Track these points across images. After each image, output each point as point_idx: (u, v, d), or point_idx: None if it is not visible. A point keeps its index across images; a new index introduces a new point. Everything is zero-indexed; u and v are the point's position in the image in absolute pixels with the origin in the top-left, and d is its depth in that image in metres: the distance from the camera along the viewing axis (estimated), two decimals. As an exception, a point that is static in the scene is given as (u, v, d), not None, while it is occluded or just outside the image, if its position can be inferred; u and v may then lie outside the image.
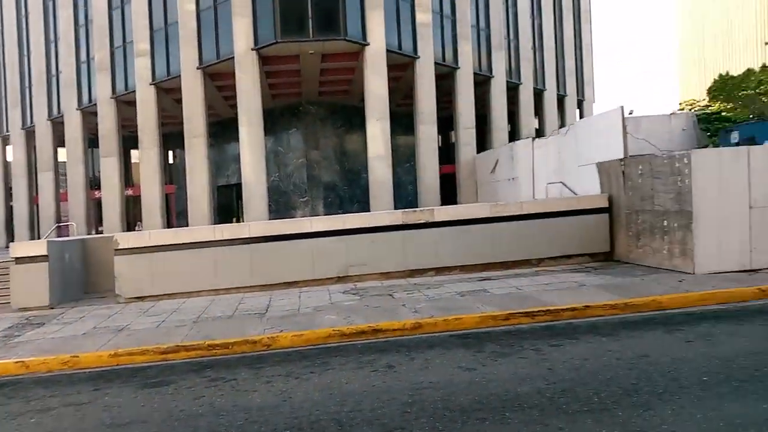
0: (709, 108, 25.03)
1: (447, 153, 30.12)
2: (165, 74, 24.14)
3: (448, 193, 26.29)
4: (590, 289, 8.50)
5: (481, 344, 6.45)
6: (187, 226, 23.31)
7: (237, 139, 21.85)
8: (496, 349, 6.24)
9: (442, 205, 23.33)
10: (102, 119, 27.01)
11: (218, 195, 29.95)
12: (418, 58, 23.16)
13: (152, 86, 24.57)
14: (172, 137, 30.25)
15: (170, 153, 33.78)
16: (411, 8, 23.22)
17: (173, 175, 33.46)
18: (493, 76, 28.03)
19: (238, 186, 24.63)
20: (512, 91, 30.19)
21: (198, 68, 22.56)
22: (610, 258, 11.31)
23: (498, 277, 10.14)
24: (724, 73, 19.32)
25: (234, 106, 23.11)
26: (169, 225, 28.95)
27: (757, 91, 17.83)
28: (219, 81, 23.69)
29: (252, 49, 20.78)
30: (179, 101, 24.15)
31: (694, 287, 8.03)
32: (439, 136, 26.84)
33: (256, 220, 19.30)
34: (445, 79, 25.60)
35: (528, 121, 30.64)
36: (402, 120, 28.75)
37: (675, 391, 4.64)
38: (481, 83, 27.75)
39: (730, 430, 3.89)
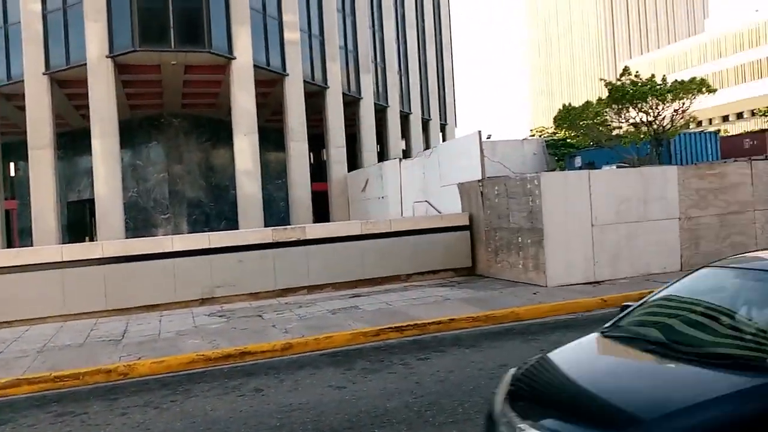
0: (556, 135, 27.54)
1: (319, 170, 30.15)
2: (4, 78, 21.77)
3: (321, 211, 26.28)
4: (454, 302, 8.88)
5: (351, 362, 6.46)
6: (31, 245, 21.02)
7: (90, 152, 20.21)
8: (366, 365, 6.28)
9: (314, 222, 23.25)
10: (-75, 125, 23.70)
11: (69, 211, 27.40)
12: (287, 75, 23.05)
13: (-12, 90, 22.04)
14: (13, 148, 27.25)
15: (12, 165, 30.39)
16: (279, 26, 23.11)
17: (15, 190, 30.11)
18: (361, 98, 28.64)
19: (92, 202, 22.72)
20: (380, 113, 31.05)
21: (44, 74, 20.61)
22: (472, 273, 11.92)
23: (369, 294, 10.26)
24: (567, 104, 21.32)
25: (86, 116, 21.35)
26: (9, 245, 25.97)
27: (595, 121, 19.85)
28: (69, 88, 21.81)
29: (107, 56, 19.41)
30: (22, 108, 21.87)
31: (546, 299, 8.69)
32: (311, 154, 26.81)
33: (111, 239, 17.90)
34: (315, 97, 25.71)
35: (395, 142, 31.63)
36: (272, 136, 28.35)
37: (531, 397, 4.94)
38: (351, 103, 28.24)
39: None
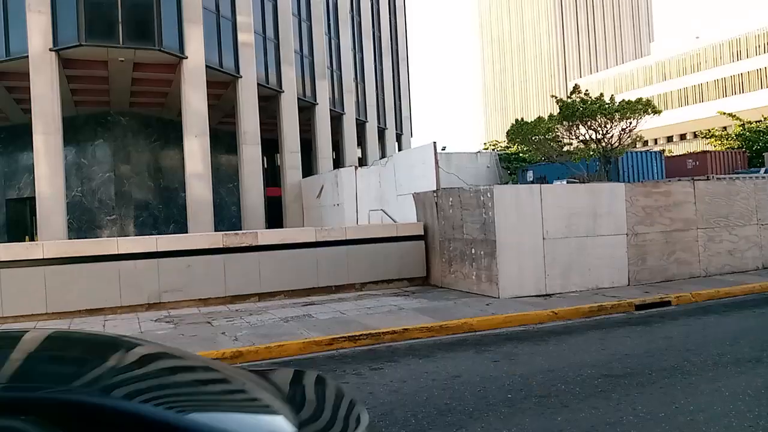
0: (509, 149, 28.08)
1: (273, 176, 29.80)
2: (-62, 67, 20.65)
3: (274, 216, 25.94)
4: (409, 312, 8.86)
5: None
6: (-38, 244, 19.88)
7: (31, 148, 19.32)
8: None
9: (267, 228, 22.89)
10: None
11: (8, 209, 26.13)
12: (241, 77, 22.72)
13: None
14: (-54, 140, 25.87)
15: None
16: (233, 27, 22.78)
17: (-53, 186, 28.50)
18: (317, 104, 28.51)
19: (33, 200, 21.70)
20: (336, 120, 30.99)
21: (-20, 65, 19.65)
22: (426, 283, 11.95)
23: (323, 302, 10.13)
24: (519, 119, 21.78)
25: (28, 111, 20.41)
26: (-62, 243, 24.49)
27: (546, 136, 20.32)
28: (9, 81, 20.84)
29: (51, 50, 18.64)
30: (-42, 99, 20.78)
31: (499, 310, 8.78)
32: (265, 158, 26.47)
33: (53, 239, 17.13)
34: (270, 101, 25.43)
35: (351, 149, 31.60)
36: (224, 139, 27.84)
37: (484, 409, 4.95)
38: (306, 109, 28.06)
39: (532, 442, 4.23)
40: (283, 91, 25.60)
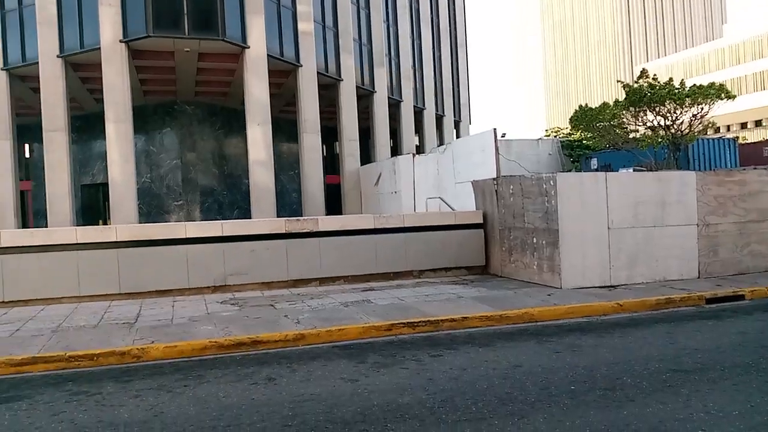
0: (572, 136, 27.30)
1: (332, 163, 30.15)
2: (19, 60, 21.84)
3: (333, 203, 26.29)
4: (468, 301, 8.82)
5: (363, 355, 6.42)
6: (46, 227, 21.14)
7: (103, 136, 20.27)
8: (378, 359, 6.24)
9: (326, 214, 23.23)
10: (-58, 104, 23.81)
11: (83, 195, 27.55)
12: (301, 66, 23.01)
13: (3, 71, 22.12)
14: (29, 129, 27.42)
15: (27, 146, 30.55)
16: (293, 16, 23.05)
17: (30, 171, 30.28)
18: (375, 92, 28.55)
19: (105, 186, 22.79)
20: (394, 107, 30.96)
21: (59, 56, 20.67)
22: (485, 272, 11.84)
23: (381, 288, 10.21)
24: (583, 105, 21.11)
25: (100, 100, 21.40)
26: (25, 225, 26.16)
27: (612, 123, 19.63)
28: (83, 72, 21.87)
29: (121, 41, 19.43)
30: (37, 90, 21.95)
31: (561, 301, 8.61)
32: (324, 146, 26.79)
33: (124, 223, 17.98)
34: (329, 89, 25.66)
35: (409, 137, 31.53)
36: (285, 127, 28.33)
37: (546, 400, 4.88)
38: (365, 97, 28.16)
39: (596, 434, 4.14)
40: (342, 80, 25.78)
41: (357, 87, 26.73)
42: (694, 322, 7.82)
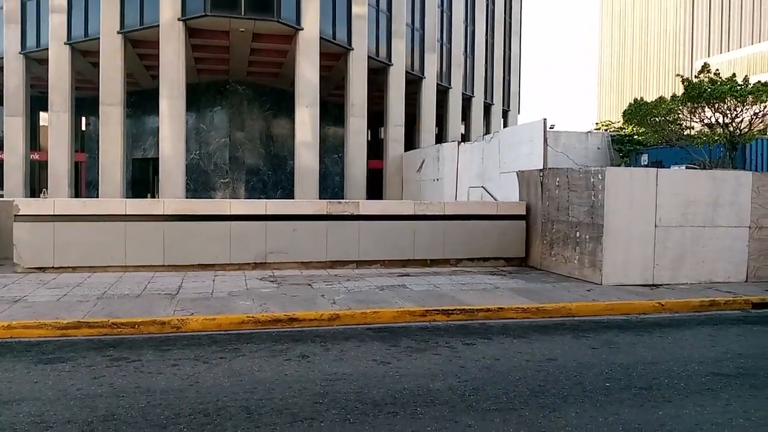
0: (623, 130, 26.49)
1: (376, 148, 30.21)
2: (82, 35, 22.63)
3: (375, 188, 26.39)
4: (504, 291, 8.74)
5: (396, 339, 6.46)
6: (97, 197, 21.97)
7: (157, 112, 20.87)
8: (411, 344, 6.26)
9: (367, 199, 23.36)
10: (8, 75, 24.94)
11: (133, 168, 28.47)
12: (352, 49, 23.03)
13: (67, 46, 22.94)
14: (86, 102, 28.46)
15: (83, 119, 31.73)
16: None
17: (85, 143, 31.45)
18: (424, 78, 28.36)
19: (155, 161, 23.51)
20: (442, 94, 30.69)
21: (119, 32, 21.30)
22: (524, 264, 11.70)
23: (417, 274, 10.23)
24: (639, 98, 20.44)
25: (156, 77, 21.99)
26: (77, 195, 27.26)
27: (667, 118, 18.96)
28: (141, 48, 22.50)
29: (179, 19, 19.87)
30: (96, 65, 22.72)
31: (600, 297, 8.44)
32: (369, 131, 26.86)
33: (172, 198, 18.50)
34: (378, 74, 25.62)
35: (455, 125, 31.26)
36: (332, 110, 28.51)
37: (579, 395, 4.82)
38: (413, 83, 28.01)
39: (628, 433, 4.07)
40: (392, 64, 25.70)
41: (406, 72, 26.62)
42: (738, 326, 7.55)
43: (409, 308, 7.42)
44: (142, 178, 28.58)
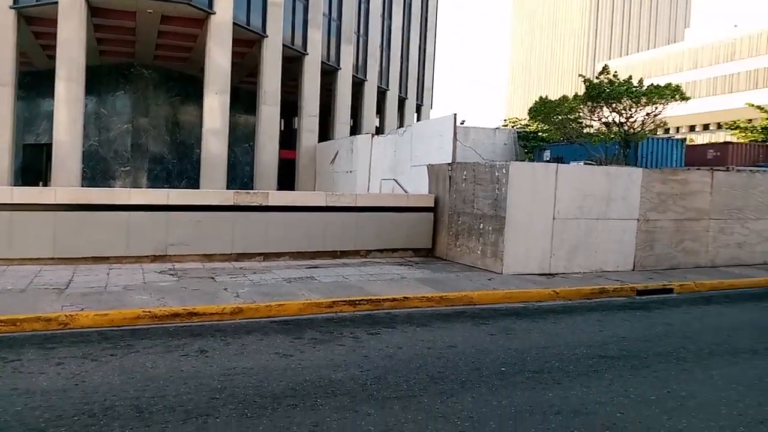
0: (529, 127, 27.70)
1: (289, 138, 29.72)
2: (-33, 8, 20.65)
3: (287, 179, 25.97)
4: (411, 281, 8.88)
5: (301, 331, 6.40)
6: (-20, 185, 20.19)
7: (52, 94, 19.43)
8: (315, 336, 6.23)
9: (279, 189, 22.96)
10: None
11: (24, 154, 26.41)
12: (266, 36, 22.51)
13: (-52, 19, 20.86)
14: (-31, 81, 26.04)
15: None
16: (263, -15, 22.50)
17: (-32, 126, 28.81)
18: (340, 69, 28.23)
19: (49, 146, 21.91)
20: (357, 86, 30.69)
21: (11, 8, 19.64)
22: (431, 254, 11.95)
23: (327, 266, 10.18)
24: (543, 96, 21.41)
25: (52, 57, 20.46)
26: (-43, 182, 24.90)
27: (569, 116, 19.98)
28: (37, 26, 20.85)
29: (81, -4, 18.60)
30: (-17, 42, 20.83)
31: (500, 286, 8.77)
32: (282, 120, 26.38)
33: (66, 186, 17.34)
34: (293, 62, 25.21)
35: (370, 117, 31.37)
36: (244, 98, 27.76)
37: (476, 380, 4.98)
38: (328, 73, 27.81)
39: (517, 415, 4.25)
40: (308, 54, 25.35)
41: (322, 62, 26.36)
42: (624, 312, 8.10)
43: (315, 300, 7.37)
44: (34, 165, 26.57)
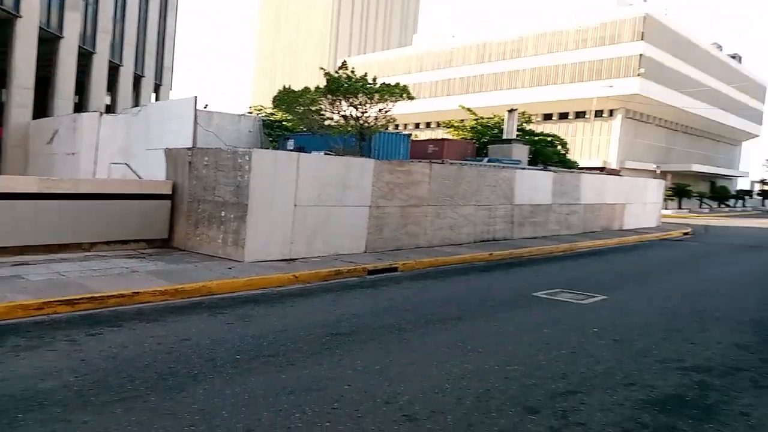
0: (274, 116, 27.88)
1: (-7, 113, 25.19)
2: None
3: (-11, 161, 21.97)
4: (143, 275, 8.25)
5: (2, 339, 5.48)
6: None
7: None
8: (20, 342, 5.40)
9: (-23, 173, 19.29)
10: None
11: None
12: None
13: None
14: None
15: None
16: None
17: None
18: (63, 37, 24.84)
19: None
20: (85, 58, 27.39)
21: None
22: (168, 245, 11.26)
23: (39, 262, 8.86)
24: (287, 86, 21.74)
25: None
26: None
27: (311, 108, 20.64)
28: None
29: None
30: None
31: (241, 274, 8.68)
32: (-17, 92, 22.22)
33: None
34: (3, 25, 21.37)
35: (99, 94, 28.30)
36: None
37: (209, 371, 4.85)
38: (48, 41, 24.23)
39: (251, 401, 4.26)
40: (21, 16, 21.68)
41: (40, 28, 22.81)
42: (355, 290, 8.73)
43: (21, 302, 6.36)
44: None
